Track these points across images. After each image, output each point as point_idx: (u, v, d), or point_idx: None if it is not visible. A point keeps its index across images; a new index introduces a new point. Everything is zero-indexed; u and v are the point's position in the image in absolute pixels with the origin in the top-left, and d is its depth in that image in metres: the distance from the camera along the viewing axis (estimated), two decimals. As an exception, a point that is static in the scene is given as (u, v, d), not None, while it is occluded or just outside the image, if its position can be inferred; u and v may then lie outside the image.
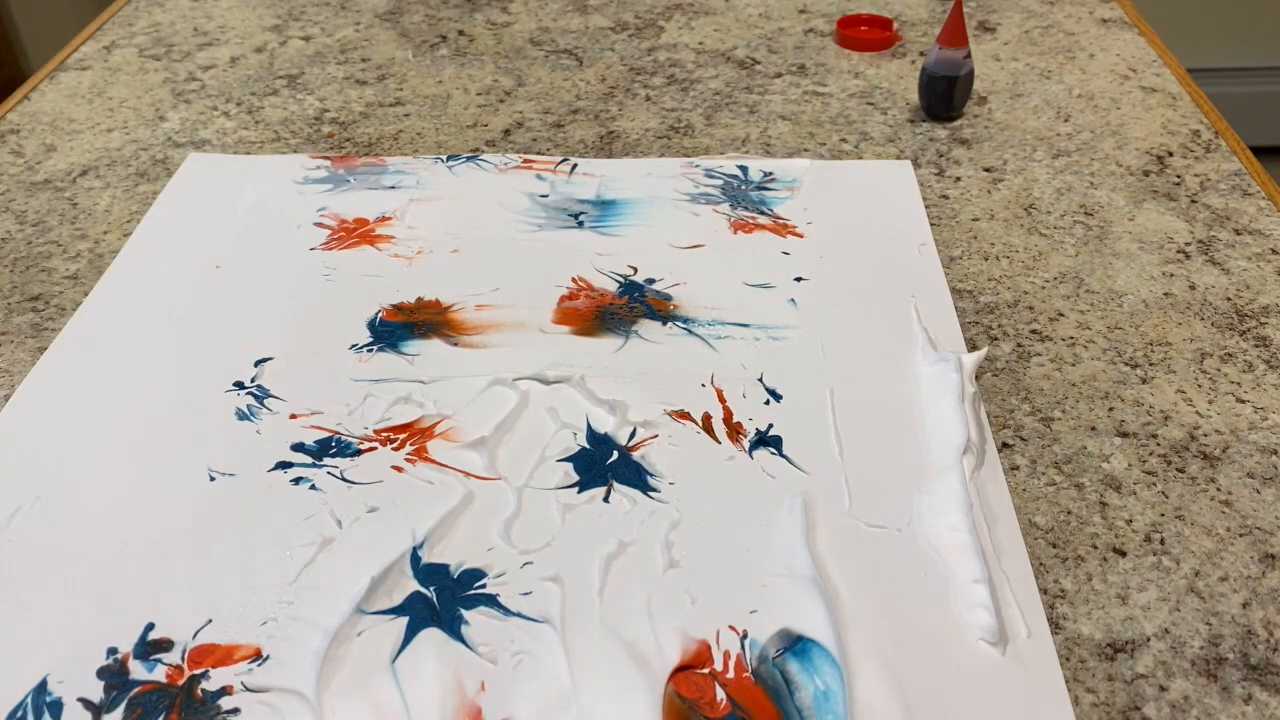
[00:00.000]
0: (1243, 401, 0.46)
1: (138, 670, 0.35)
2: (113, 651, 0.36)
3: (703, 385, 0.46)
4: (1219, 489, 0.42)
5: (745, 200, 0.58)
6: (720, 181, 0.60)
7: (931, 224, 0.56)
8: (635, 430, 0.44)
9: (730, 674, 0.35)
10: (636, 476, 0.42)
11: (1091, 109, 0.67)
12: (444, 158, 0.62)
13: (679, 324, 0.50)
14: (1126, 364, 0.48)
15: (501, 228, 0.57)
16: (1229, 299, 0.51)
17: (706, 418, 0.45)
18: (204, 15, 0.81)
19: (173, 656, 0.36)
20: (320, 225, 0.57)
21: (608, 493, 0.41)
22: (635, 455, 0.43)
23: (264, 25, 0.80)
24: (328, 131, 0.66)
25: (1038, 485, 0.42)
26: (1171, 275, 0.53)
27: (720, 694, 0.34)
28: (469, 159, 0.62)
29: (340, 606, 0.37)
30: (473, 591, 0.38)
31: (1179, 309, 0.51)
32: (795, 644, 0.35)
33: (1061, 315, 0.50)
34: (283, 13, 0.82)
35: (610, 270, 0.53)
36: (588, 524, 0.40)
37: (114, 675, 0.35)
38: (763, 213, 0.57)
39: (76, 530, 0.40)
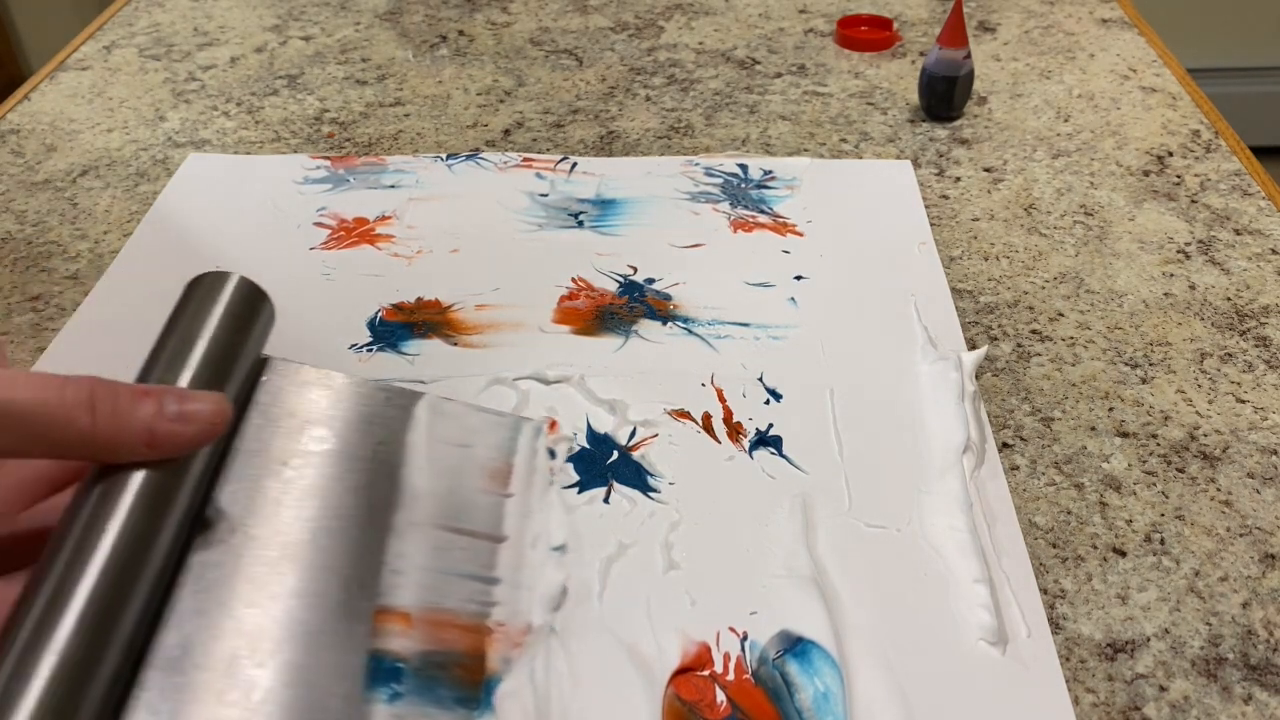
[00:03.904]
0: (1243, 401, 0.46)
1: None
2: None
3: (703, 385, 0.46)
4: (1219, 489, 0.42)
5: (745, 199, 0.58)
6: (720, 180, 0.60)
7: (931, 224, 0.56)
8: (635, 430, 0.44)
9: (730, 676, 0.35)
10: (636, 476, 0.42)
11: (1091, 109, 0.67)
12: (443, 156, 0.62)
13: (679, 324, 0.50)
14: (1126, 364, 0.48)
15: (501, 227, 0.57)
16: (1229, 299, 0.51)
17: (706, 417, 0.45)
18: (204, 15, 0.81)
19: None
20: (320, 225, 0.57)
21: (608, 493, 0.41)
22: (635, 455, 0.43)
23: (264, 25, 0.80)
24: (328, 131, 0.66)
25: (1038, 485, 0.42)
26: (1171, 275, 0.53)
27: (720, 696, 0.34)
28: (469, 158, 0.62)
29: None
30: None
31: (1179, 309, 0.51)
32: (795, 645, 0.35)
33: (1061, 315, 0.50)
34: (283, 13, 0.82)
35: (610, 270, 0.53)
36: (588, 525, 0.40)
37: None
38: (763, 211, 0.57)
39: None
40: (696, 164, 0.61)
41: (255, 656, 0.29)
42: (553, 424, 0.43)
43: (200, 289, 0.32)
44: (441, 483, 0.36)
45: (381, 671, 0.31)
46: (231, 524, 0.30)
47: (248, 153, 0.64)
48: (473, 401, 0.44)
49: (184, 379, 0.30)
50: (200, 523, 0.30)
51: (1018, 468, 0.43)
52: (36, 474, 0.30)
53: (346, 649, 0.31)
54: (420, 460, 0.36)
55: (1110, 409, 0.45)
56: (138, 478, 0.28)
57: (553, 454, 0.42)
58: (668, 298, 0.51)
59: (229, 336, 0.31)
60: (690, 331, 0.49)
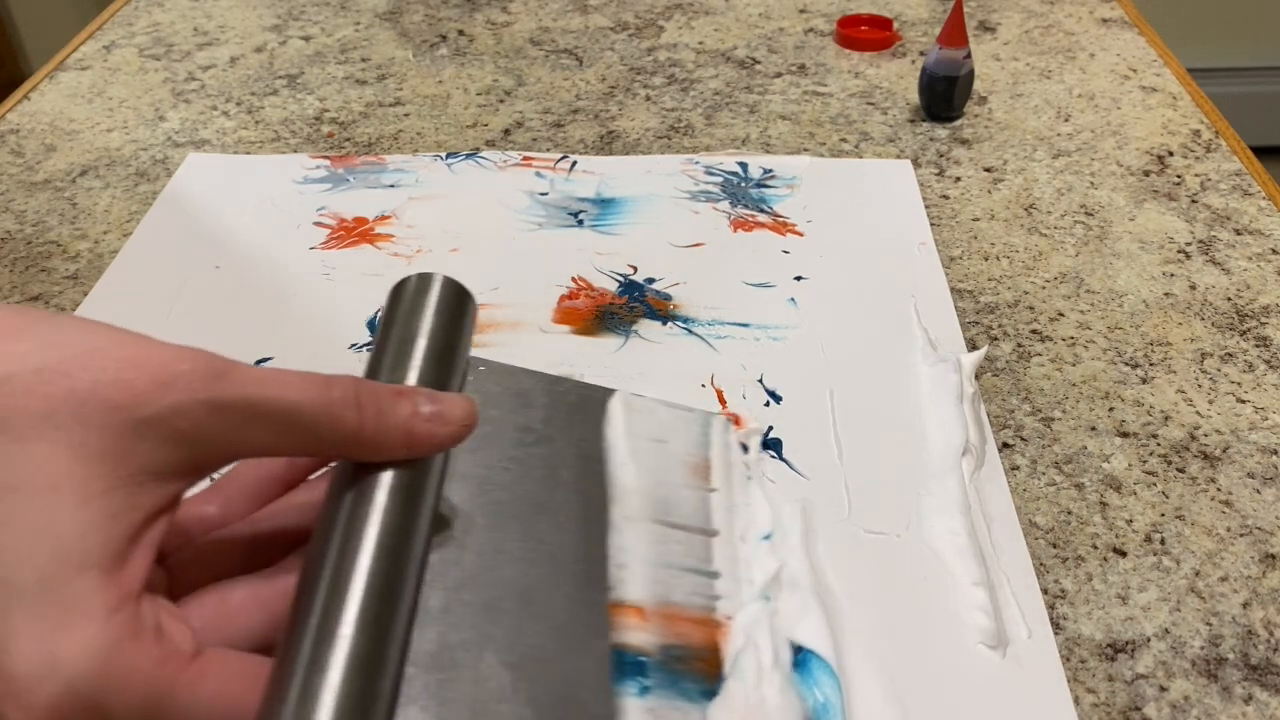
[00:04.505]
0: (1243, 401, 0.46)
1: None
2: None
3: (703, 386, 0.46)
4: (1219, 489, 0.42)
5: (745, 198, 0.58)
6: (720, 179, 0.60)
7: (931, 224, 0.56)
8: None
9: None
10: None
11: (1092, 109, 0.67)
12: (443, 155, 0.62)
13: (679, 324, 0.50)
14: (1127, 364, 0.48)
15: (501, 226, 0.57)
16: (1229, 299, 0.51)
17: (706, 418, 0.44)
18: (204, 15, 0.81)
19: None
20: (320, 224, 0.57)
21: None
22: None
23: (264, 25, 0.80)
24: (328, 131, 0.66)
25: (1038, 485, 0.42)
26: (1172, 275, 0.53)
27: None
28: (468, 156, 0.62)
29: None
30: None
31: (1179, 309, 0.51)
32: (795, 655, 0.35)
33: (1062, 315, 0.50)
34: (283, 13, 0.81)
35: (610, 270, 0.53)
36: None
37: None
38: (763, 210, 0.57)
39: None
40: (696, 162, 0.61)
41: (506, 652, 0.29)
42: (737, 419, 0.43)
43: (407, 291, 0.32)
44: (648, 478, 0.36)
45: (626, 665, 0.31)
46: (465, 523, 0.30)
47: (247, 152, 0.64)
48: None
49: (410, 380, 0.30)
50: (437, 522, 0.30)
51: (1018, 468, 0.43)
52: (270, 474, 0.31)
53: (590, 644, 0.31)
54: (623, 456, 0.36)
55: (1110, 409, 0.45)
56: (389, 477, 0.28)
57: (745, 448, 0.42)
58: (668, 298, 0.51)
59: (446, 336, 0.31)
60: (690, 331, 0.49)
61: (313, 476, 0.31)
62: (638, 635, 0.32)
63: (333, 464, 0.30)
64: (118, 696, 0.23)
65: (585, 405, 0.36)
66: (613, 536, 0.33)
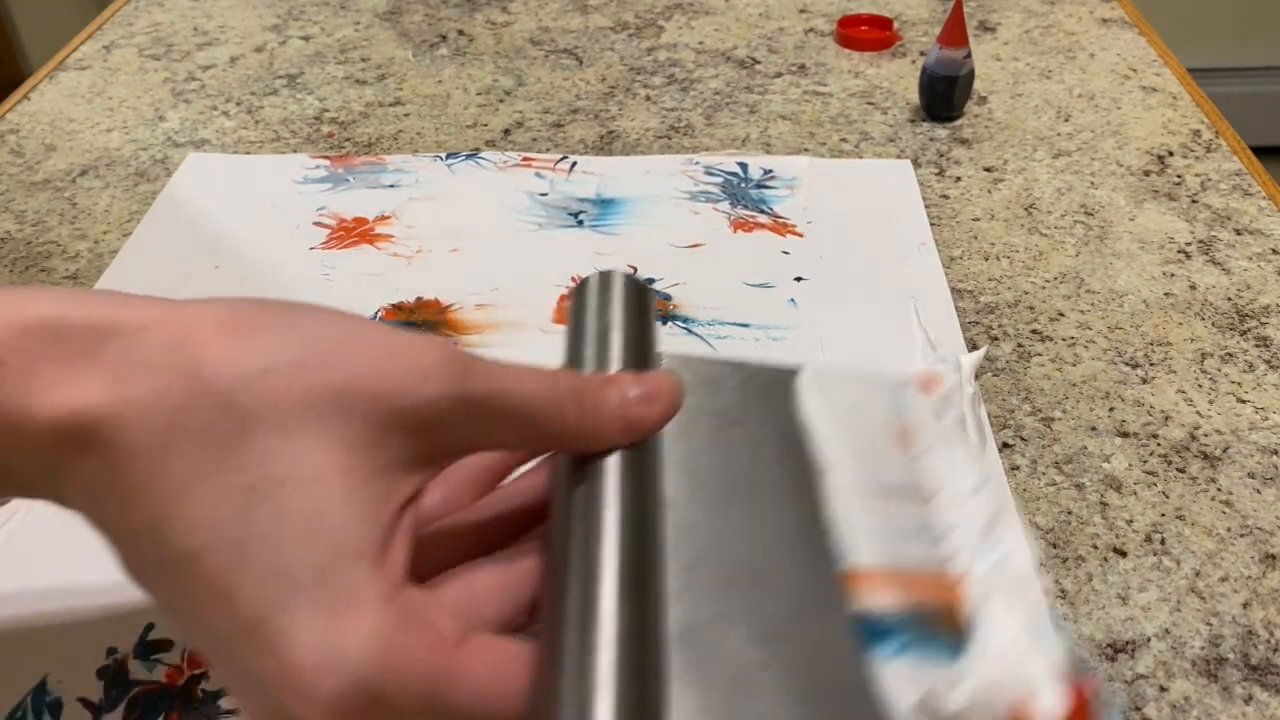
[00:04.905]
0: (1243, 401, 0.46)
1: (137, 670, 0.35)
2: (112, 651, 0.36)
3: (703, 385, 0.46)
4: (1219, 489, 0.42)
5: (745, 198, 0.58)
6: (720, 179, 0.60)
7: (932, 224, 0.56)
8: None
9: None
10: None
11: (1092, 109, 0.67)
12: (443, 156, 0.62)
13: (679, 324, 0.50)
14: (1127, 364, 0.48)
15: (501, 227, 0.57)
16: (1229, 299, 0.51)
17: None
18: (204, 15, 0.81)
19: (172, 657, 0.36)
20: (320, 225, 0.57)
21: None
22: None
23: (264, 25, 0.80)
24: (327, 131, 0.66)
25: (1038, 485, 0.42)
26: (1172, 275, 0.53)
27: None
28: (468, 157, 0.62)
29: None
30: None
31: (1179, 309, 0.51)
32: None
33: (1062, 315, 0.50)
34: (282, 12, 0.81)
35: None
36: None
37: (114, 675, 0.35)
38: (763, 211, 0.57)
39: (77, 529, 0.40)
40: (696, 163, 0.61)
41: (751, 627, 0.28)
42: (931, 381, 0.43)
43: (590, 289, 0.32)
44: (854, 448, 0.36)
45: (873, 631, 0.31)
46: (684, 504, 0.30)
47: (247, 152, 0.64)
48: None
49: (613, 370, 0.30)
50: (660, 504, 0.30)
51: (1018, 468, 0.43)
52: (489, 464, 0.31)
53: (831, 613, 0.30)
54: (825, 430, 0.36)
55: (1111, 409, 0.45)
56: (614, 460, 0.28)
57: (945, 410, 0.41)
58: (668, 298, 0.51)
59: (638, 330, 0.32)
60: (690, 332, 0.49)
61: (523, 468, 0.31)
62: (878, 600, 0.32)
63: (542, 457, 0.31)
64: (397, 686, 0.23)
65: (776, 384, 0.36)
66: (831, 508, 0.33)
